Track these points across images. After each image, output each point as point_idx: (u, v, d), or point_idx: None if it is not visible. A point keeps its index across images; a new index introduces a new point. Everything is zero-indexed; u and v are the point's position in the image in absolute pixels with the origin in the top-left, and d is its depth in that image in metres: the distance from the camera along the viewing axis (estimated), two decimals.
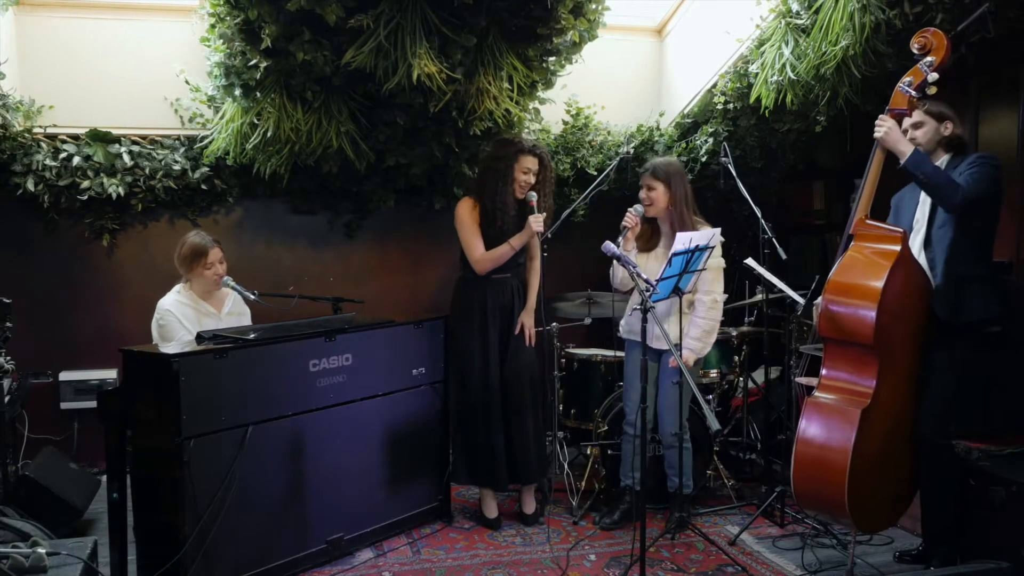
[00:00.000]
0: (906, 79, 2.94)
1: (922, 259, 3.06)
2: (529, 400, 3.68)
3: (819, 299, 3.19)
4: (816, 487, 2.93)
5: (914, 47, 2.96)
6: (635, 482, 3.66)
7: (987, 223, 3.01)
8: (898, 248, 2.91)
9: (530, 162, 3.59)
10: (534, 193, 3.57)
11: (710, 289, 3.51)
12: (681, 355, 3.51)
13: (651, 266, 3.55)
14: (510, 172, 3.58)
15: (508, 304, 3.66)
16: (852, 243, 3.03)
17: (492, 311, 3.64)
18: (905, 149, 2.93)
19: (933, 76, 2.88)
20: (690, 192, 3.61)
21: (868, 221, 3.01)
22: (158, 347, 3.35)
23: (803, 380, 3.54)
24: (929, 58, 2.90)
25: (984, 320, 2.96)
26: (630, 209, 3.49)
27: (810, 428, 2.96)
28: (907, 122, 3.09)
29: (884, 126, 2.97)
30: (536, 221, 3.53)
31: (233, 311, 3.75)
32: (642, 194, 3.58)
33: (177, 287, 3.64)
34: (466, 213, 3.66)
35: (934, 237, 3.05)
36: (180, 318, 3.52)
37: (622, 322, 3.75)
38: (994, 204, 2.98)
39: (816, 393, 3.02)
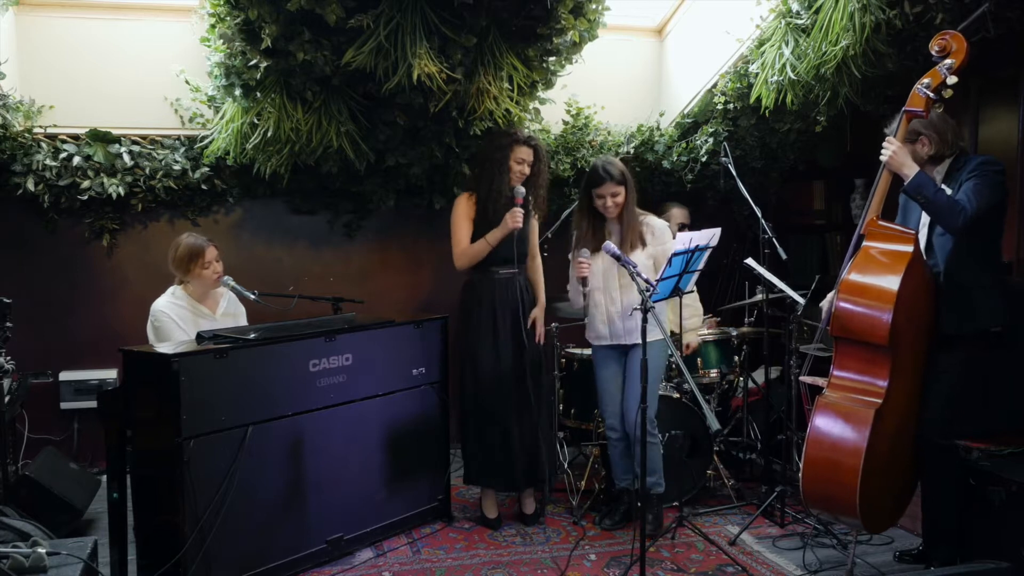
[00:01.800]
0: (924, 80, 2.92)
1: None
2: (534, 399, 3.66)
3: (829, 296, 3.19)
4: (826, 487, 2.93)
5: (933, 49, 2.93)
6: (631, 483, 3.65)
7: (989, 231, 2.99)
8: (910, 249, 2.91)
9: (524, 152, 3.61)
10: (522, 189, 3.55)
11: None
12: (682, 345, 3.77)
13: (605, 265, 3.54)
14: (505, 162, 3.59)
15: (515, 300, 3.65)
16: (863, 243, 3.02)
17: (501, 308, 3.63)
18: (909, 172, 2.91)
19: (952, 79, 2.87)
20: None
21: (880, 222, 3.00)
22: (158, 347, 3.35)
23: (808, 379, 3.53)
24: (949, 60, 2.89)
25: (988, 328, 2.96)
26: (580, 258, 3.39)
27: (822, 428, 2.95)
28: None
29: (889, 149, 2.95)
30: (512, 216, 3.51)
31: (228, 312, 3.74)
32: (608, 202, 3.51)
33: (171, 289, 3.63)
34: (460, 206, 3.69)
35: (935, 244, 3.05)
36: (176, 319, 3.52)
37: (599, 330, 3.67)
38: (998, 211, 2.97)
39: (827, 392, 3.02)
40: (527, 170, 3.63)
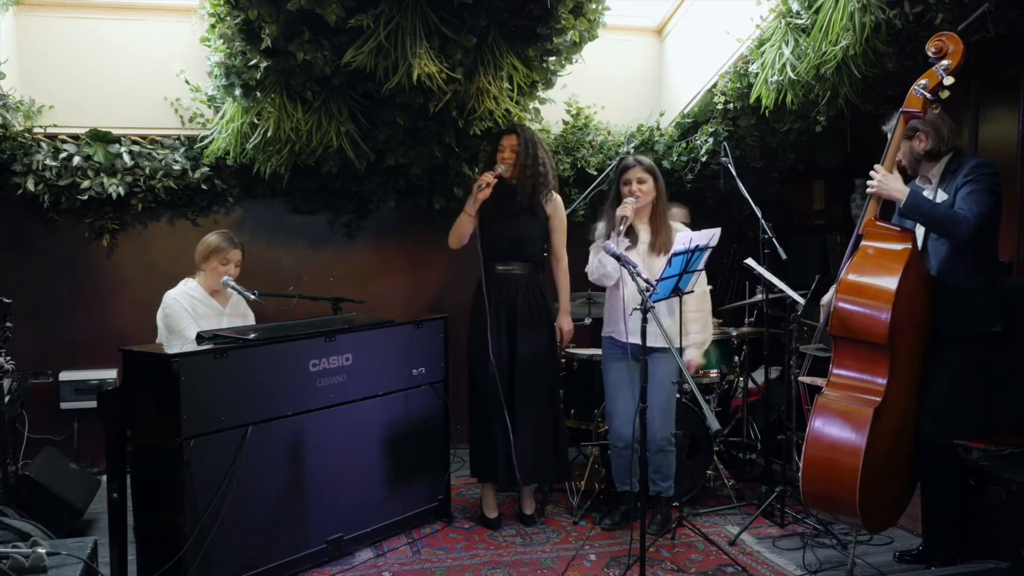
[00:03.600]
0: (921, 81, 2.93)
1: None
2: (538, 398, 3.66)
3: (827, 297, 3.20)
4: (826, 487, 2.93)
5: (930, 50, 2.94)
6: (632, 485, 3.65)
7: (985, 233, 2.98)
8: (908, 248, 2.92)
9: (507, 140, 3.66)
10: (501, 166, 3.62)
11: (698, 282, 3.52)
12: (683, 354, 3.57)
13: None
14: (494, 155, 3.69)
15: (512, 298, 3.65)
16: (861, 243, 3.03)
17: (496, 305, 3.64)
18: (900, 196, 2.93)
19: (949, 80, 2.88)
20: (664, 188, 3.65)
21: (878, 222, 3.01)
22: (158, 347, 3.36)
23: (807, 380, 3.53)
24: (945, 62, 2.89)
25: (986, 330, 2.96)
26: (627, 200, 3.47)
27: (821, 428, 2.95)
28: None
29: (875, 178, 2.97)
30: (477, 181, 3.58)
31: (238, 311, 3.79)
32: (633, 188, 3.53)
33: (185, 280, 3.71)
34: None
35: (930, 248, 3.05)
36: (187, 309, 3.59)
37: (619, 325, 3.66)
38: (993, 213, 2.96)
39: (826, 392, 3.02)
40: (509, 155, 3.64)
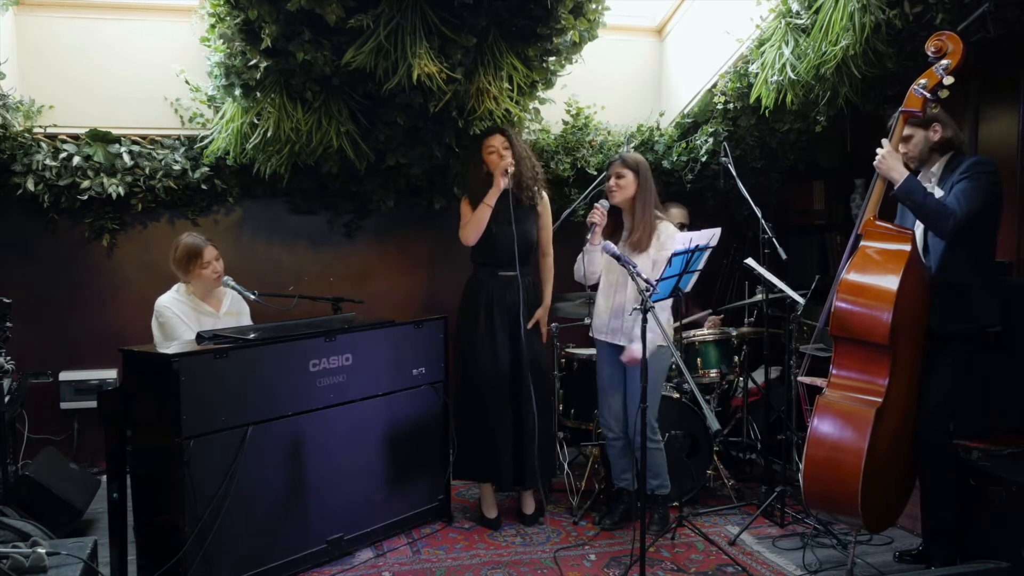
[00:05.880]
0: (921, 81, 2.93)
1: None
2: (533, 399, 3.67)
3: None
4: (828, 487, 2.93)
5: (929, 50, 2.95)
6: (629, 483, 3.66)
7: (984, 232, 2.99)
8: (908, 248, 2.93)
9: (492, 140, 3.67)
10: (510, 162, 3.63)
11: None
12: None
13: (608, 259, 3.54)
14: (478, 155, 3.70)
15: (515, 301, 3.65)
16: (861, 243, 3.03)
17: (499, 308, 3.64)
18: (897, 177, 2.94)
19: (948, 79, 2.89)
20: (654, 188, 3.61)
21: (877, 222, 3.01)
22: (158, 347, 3.35)
23: (806, 380, 3.54)
24: (945, 61, 2.90)
25: (983, 328, 2.97)
26: (597, 204, 3.52)
27: (823, 428, 2.96)
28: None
29: (880, 153, 2.98)
30: (499, 170, 3.58)
31: (231, 310, 3.75)
32: (611, 182, 3.57)
33: (176, 286, 3.66)
34: (463, 208, 3.75)
35: (930, 244, 3.05)
36: (180, 316, 3.54)
37: (594, 322, 3.72)
38: (991, 213, 2.97)
39: (827, 392, 3.02)
40: (497, 157, 3.64)
